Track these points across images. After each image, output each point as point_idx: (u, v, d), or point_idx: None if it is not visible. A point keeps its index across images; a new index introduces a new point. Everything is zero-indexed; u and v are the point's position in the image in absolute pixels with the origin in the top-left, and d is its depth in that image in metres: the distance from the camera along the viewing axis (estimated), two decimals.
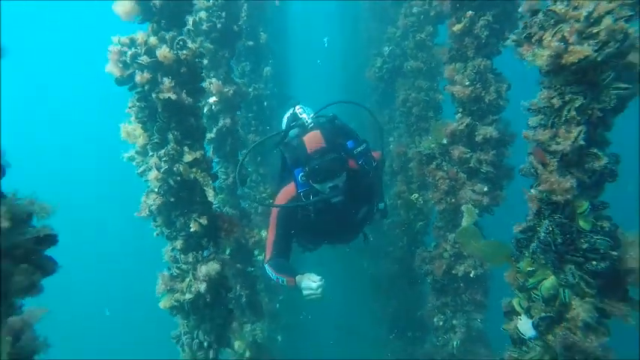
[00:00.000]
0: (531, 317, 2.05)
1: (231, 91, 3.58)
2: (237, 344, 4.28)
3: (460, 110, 2.98)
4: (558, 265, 1.92)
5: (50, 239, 1.02)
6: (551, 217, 1.88)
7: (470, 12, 2.84)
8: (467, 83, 2.88)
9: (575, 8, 1.61)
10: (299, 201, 3.10)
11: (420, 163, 3.30)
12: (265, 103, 5.27)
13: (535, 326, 2.01)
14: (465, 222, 2.76)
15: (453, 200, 2.97)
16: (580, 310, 1.82)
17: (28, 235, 0.97)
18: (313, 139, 2.90)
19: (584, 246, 1.81)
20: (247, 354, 4.27)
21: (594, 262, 1.80)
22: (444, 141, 3.14)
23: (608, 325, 1.91)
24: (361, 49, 7.27)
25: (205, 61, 3.55)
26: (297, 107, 3.44)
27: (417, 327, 4.60)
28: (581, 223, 1.84)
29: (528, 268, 2.06)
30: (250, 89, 4.82)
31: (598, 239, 1.79)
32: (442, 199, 3.05)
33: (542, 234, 1.92)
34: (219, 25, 3.44)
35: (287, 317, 5.79)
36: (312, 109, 3.51)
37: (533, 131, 1.90)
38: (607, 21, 1.54)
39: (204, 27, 3.40)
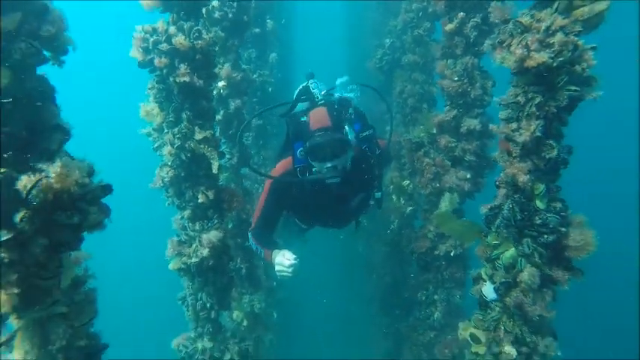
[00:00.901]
0: (494, 283, 2.41)
1: (239, 77, 3.90)
2: (235, 314, 4.64)
3: (448, 103, 3.31)
4: (518, 239, 2.28)
5: (108, 188, 1.37)
6: (513, 197, 2.23)
7: (461, 13, 3.15)
8: (455, 79, 3.20)
9: (538, 21, 1.93)
10: (294, 176, 3.09)
11: (410, 150, 3.63)
12: (270, 89, 5.58)
13: (496, 290, 2.38)
14: (443, 207, 3.11)
15: (438, 185, 3.31)
16: (529, 275, 2.18)
17: (95, 184, 1.32)
18: (319, 116, 2.89)
19: (538, 222, 2.16)
20: (245, 323, 4.63)
21: (545, 236, 2.15)
22: (434, 130, 3.48)
23: (555, 289, 2.27)
24: (365, 39, 7.54)
25: (216, 48, 3.86)
26: (311, 81, 3.40)
27: (404, 305, 4.98)
28: (538, 202, 2.19)
29: (494, 242, 2.41)
30: (255, 75, 5.12)
31: (549, 217, 2.14)
32: (428, 183, 3.39)
33: (505, 211, 2.27)
34: (230, 15, 3.74)
35: (283, 292, 6.14)
36: (326, 86, 3.47)
37: (501, 124, 2.24)
38: (561, 34, 1.86)
39: (216, 15, 3.70)
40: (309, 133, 2.85)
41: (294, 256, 2.71)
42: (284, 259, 2.70)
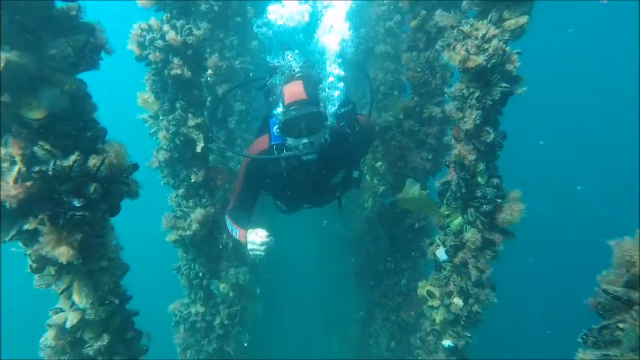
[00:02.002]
0: (445, 247, 2.94)
1: (224, 66, 4.28)
2: (222, 286, 5.10)
3: (412, 91, 3.79)
4: (464, 209, 2.80)
5: (137, 166, 1.81)
6: (459, 174, 2.74)
7: (423, 11, 3.60)
8: (418, 70, 3.67)
9: (476, 30, 2.40)
10: (271, 154, 2.98)
11: (380, 133, 4.10)
12: (251, 74, 5.94)
13: (447, 252, 2.91)
14: (405, 190, 3.60)
15: (404, 164, 3.81)
16: (473, 238, 2.71)
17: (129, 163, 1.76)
18: (294, 90, 2.76)
19: (479, 194, 2.68)
20: (231, 294, 5.10)
21: (484, 206, 2.67)
22: (400, 116, 3.96)
23: (496, 250, 2.81)
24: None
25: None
26: (287, 53, 3.25)
27: (377, 275, 5.54)
28: (479, 179, 2.70)
29: (445, 212, 2.93)
30: (237, 62, 5.48)
31: (488, 190, 2.66)
32: (394, 163, 3.88)
33: (453, 186, 2.78)
34: (216, 8, 4.09)
35: (265, 273, 6.62)
36: (303, 57, 3.32)
37: (451, 113, 2.73)
38: (494, 41, 2.34)
39: (202, 8, 4.05)
40: (285, 107, 2.74)
41: (267, 234, 2.57)
42: (256, 237, 2.57)
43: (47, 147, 1.60)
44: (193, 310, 3.75)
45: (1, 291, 11.62)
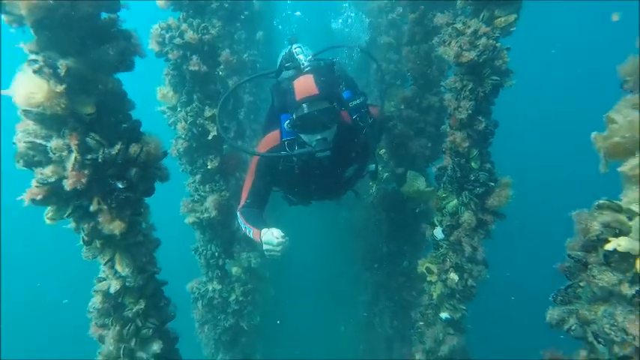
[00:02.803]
0: (442, 227, 3.24)
1: (235, 60, 4.56)
2: (234, 269, 5.45)
3: (412, 82, 4.06)
4: (459, 191, 3.09)
5: (165, 153, 2.13)
6: (454, 160, 3.03)
7: (422, 7, 3.85)
8: (417, 62, 3.94)
9: (468, 27, 2.67)
10: (282, 150, 2.96)
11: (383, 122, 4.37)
12: (258, 65, 6.22)
13: (443, 232, 3.21)
14: (409, 183, 3.89)
15: (404, 152, 4.09)
16: (467, 218, 3.00)
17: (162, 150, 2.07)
18: (305, 85, 2.73)
19: (473, 178, 2.97)
20: (243, 277, 5.45)
21: (477, 189, 2.96)
22: (402, 106, 4.23)
23: (489, 229, 3.10)
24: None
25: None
26: (295, 46, 3.26)
27: (381, 259, 5.85)
28: (472, 164, 2.98)
29: (442, 195, 3.22)
30: (245, 55, 5.75)
31: (480, 174, 2.95)
32: (395, 150, 4.16)
33: (449, 171, 3.07)
34: (226, 5, 4.36)
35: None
36: (312, 50, 3.38)
37: (447, 103, 3.00)
38: (484, 38, 2.61)
39: (213, 6, 4.32)
40: (295, 104, 2.71)
41: (283, 234, 2.54)
42: (272, 238, 2.53)
43: (97, 138, 1.91)
44: (210, 288, 4.09)
45: (1, 291, 11.75)
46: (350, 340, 7.48)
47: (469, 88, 2.78)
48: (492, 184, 2.97)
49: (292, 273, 8.33)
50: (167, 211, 4.14)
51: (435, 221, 3.33)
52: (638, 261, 1.44)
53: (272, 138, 3.10)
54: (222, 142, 3.83)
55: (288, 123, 2.87)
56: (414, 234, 4.60)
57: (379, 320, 5.36)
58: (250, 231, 2.84)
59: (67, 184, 1.82)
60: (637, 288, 1.45)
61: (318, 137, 2.78)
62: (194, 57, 3.28)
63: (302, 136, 2.86)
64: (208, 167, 3.64)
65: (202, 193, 3.70)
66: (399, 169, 4.55)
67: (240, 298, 4.19)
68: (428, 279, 3.46)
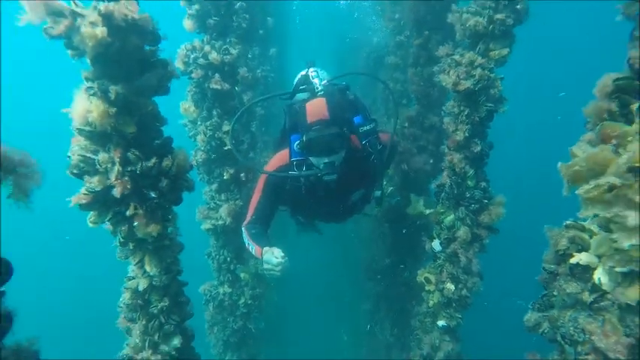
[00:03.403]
0: (440, 239, 3.52)
1: (250, 77, 4.89)
2: (242, 275, 5.74)
3: (416, 102, 4.37)
4: (455, 207, 3.37)
5: (192, 166, 2.44)
6: (452, 178, 3.32)
7: (426, 32, 4.17)
8: (421, 84, 4.25)
9: (465, 58, 2.98)
10: (291, 170, 3.03)
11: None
12: (269, 80, 6.57)
13: (441, 244, 3.49)
14: (413, 205, 4.19)
15: (407, 167, 4.38)
16: (463, 232, 3.29)
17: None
18: (316, 108, 2.80)
19: (468, 195, 3.26)
20: (251, 282, 5.74)
21: (473, 205, 3.25)
22: (406, 124, 4.54)
23: (483, 242, 3.36)
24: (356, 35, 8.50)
25: None
26: (311, 70, 3.35)
27: (384, 270, 6.10)
28: (469, 182, 3.27)
29: (440, 210, 3.51)
30: (259, 71, 6.10)
31: (476, 192, 3.23)
32: (399, 165, 4.46)
33: (447, 188, 3.36)
34: (244, 25, 4.70)
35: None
36: (328, 74, 3.49)
37: (446, 125, 3.30)
38: (480, 69, 2.91)
39: (233, 24, 4.66)
40: (306, 126, 2.79)
41: (283, 254, 2.59)
42: (272, 258, 2.59)
43: (137, 153, 2.23)
44: (221, 291, 4.38)
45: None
46: (352, 346, 7.71)
47: (466, 113, 3.09)
48: (486, 201, 3.25)
49: (297, 281, 8.57)
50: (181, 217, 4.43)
51: (434, 234, 3.61)
52: (595, 273, 1.71)
53: (281, 157, 3.16)
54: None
55: (298, 144, 2.93)
56: (415, 246, 4.86)
57: (380, 328, 5.61)
58: (253, 248, 2.91)
59: (116, 192, 2.13)
60: (595, 296, 1.73)
61: (326, 160, 2.83)
62: (216, 75, 3.61)
63: (310, 158, 2.91)
64: (224, 177, 3.95)
65: (218, 202, 4.01)
66: (403, 191, 4.85)
67: (249, 302, 4.47)
68: (426, 288, 3.73)
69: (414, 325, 4.16)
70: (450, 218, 3.43)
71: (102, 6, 1.87)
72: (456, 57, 3.02)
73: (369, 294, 6.47)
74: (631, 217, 1.49)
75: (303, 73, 3.40)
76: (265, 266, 2.65)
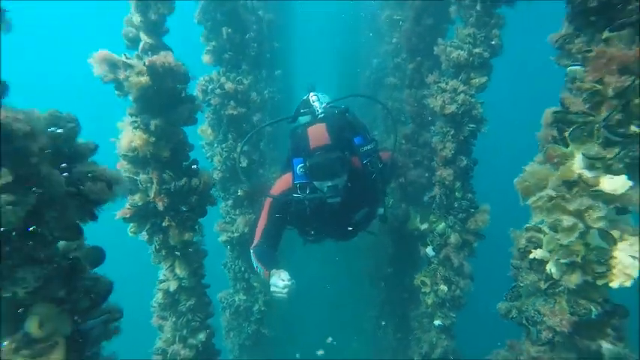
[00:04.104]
0: (433, 246, 3.94)
1: (259, 100, 5.38)
2: (256, 284, 6.16)
3: (410, 120, 4.83)
4: (446, 216, 3.80)
5: (214, 184, 2.91)
6: (442, 190, 3.75)
7: (419, 58, 4.65)
8: (415, 104, 4.71)
9: (448, 85, 3.43)
10: (294, 192, 3.12)
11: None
12: (276, 100, 7.06)
13: (433, 249, 3.91)
14: (411, 221, 4.62)
15: (404, 180, 4.82)
16: (453, 238, 3.71)
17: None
18: (318, 134, 2.92)
19: (457, 206, 3.69)
20: (264, 290, 6.15)
21: (460, 214, 3.67)
22: (402, 141, 4.99)
23: (473, 247, 3.78)
24: (357, 56, 9.02)
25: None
26: (312, 94, 3.48)
27: (387, 277, 6.49)
28: (457, 193, 3.71)
29: (433, 219, 3.94)
30: (266, 92, 6.59)
31: (463, 202, 3.66)
32: (397, 179, 4.89)
33: (437, 199, 3.80)
34: (253, 53, 5.21)
35: None
36: (329, 96, 3.63)
37: (435, 143, 3.75)
38: (462, 95, 3.37)
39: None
40: (309, 152, 2.92)
41: (289, 277, 2.68)
42: (279, 280, 2.67)
43: (170, 173, 2.70)
44: (237, 298, 4.80)
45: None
46: (362, 356, 8.03)
47: (452, 133, 3.54)
48: (473, 210, 3.68)
49: (307, 290, 8.93)
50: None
51: (428, 241, 4.03)
52: (547, 265, 2.14)
53: (285, 181, 3.28)
54: (250, 173, 4.60)
55: (301, 168, 3.03)
56: (415, 255, 5.26)
57: (383, 332, 5.98)
58: (261, 271, 3.01)
59: (159, 206, 2.60)
60: (548, 284, 2.15)
61: (330, 184, 2.96)
62: (231, 102, 4.09)
63: (314, 182, 3.03)
64: (239, 194, 4.41)
65: (233, 216, 4.47)
66: (402, 203, 5.27)
67: (263, 308, 4.88)
68: (422, 290, 4.13)
69: (413, 326, 4.55)
70: (441, 226, 3.85)
71: (147, 60, 2.36)
72: (442, 84, 3.48)
73: (375, 301, 6.84)
74: (566, 221, 1.92)
75: (305, 97, 3.58)
76: (272, 289, 2.73)
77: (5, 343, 1.20)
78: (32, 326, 1.22)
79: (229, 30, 4.01)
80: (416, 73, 4.73)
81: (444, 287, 3.92)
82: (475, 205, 3.70)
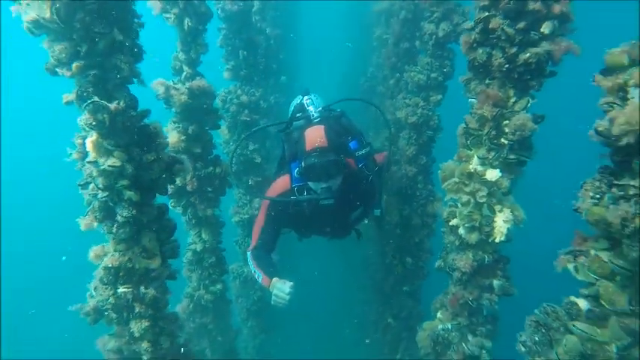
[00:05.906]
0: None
1: (266, 106, 6.42)
2: None
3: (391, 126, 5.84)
4: (409, 203, 4.82)
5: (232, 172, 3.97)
6: (407, 183, 4.76)
7: (397, 74, 5.65)
8: (395, 113, 5.72)
9: (412, 100, 4.45)
10: (292, 195, 3.22)
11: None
12: (280, 103, 8.06)
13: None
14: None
15: (390, 182, 5.82)
16: (414, 220, 4.72)
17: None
18: (315, 136, 2.99)
19: (418, 194, 4.70)
20: None
21: (421, 201, 4.69)
22: (386, 143, 6.00)
23: (432, 228, 4.79)
24: (357, 63, 9.96)
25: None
26: (306, 98, 3.62)
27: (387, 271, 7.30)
28: (418, 185, 4.71)
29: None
30: (271, 98, 7.58)
31: (423, 192, 4.67)
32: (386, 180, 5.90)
33: (403, 189, 4.82)
34: (261, 67, 6.24)
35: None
36: (323, 100, 3.80)
37: (402, 145, 4.75)
38: (421, 109, 4.38)
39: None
40: (305, 154, 2.97)
41: (291, 284, 2.85)
42: (283, 287, 2.85)
43: (201, 163, 3.76)
44: (245, 270, 5.85)
45: (1, 291, 12.37)
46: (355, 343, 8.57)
47: (414, 138, 4.56)
48: (432, 198, 4.70)
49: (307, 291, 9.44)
50: None
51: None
52: (460, 230, 3.14)
53: (282, 183, 3.40)
54: (258, 168, 5.61)
55: (298, 170, 3.11)
56: (412, 258, 6.16)
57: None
58: (260, 276, 3.15)
59: (189, 187, 3.66)
60: (459, 242, 3.16)
61: (324, 185, 3.03)
62: (245, 111, 5.15)
63: (310, 183, 3.12)
64: (250, 184, 5.45)
65: (245, 201, 5.51)
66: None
67: None
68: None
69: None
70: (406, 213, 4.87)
71: (188, 84, 3.42)
72: (407, 100, 4.51)
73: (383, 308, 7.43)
74: (464, 197, 2.94)
75: (299, 101, 3.76)
76: (274, 298, 2.92)
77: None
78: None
79: (245, 52, 5.05)
80: (395, 87, 5.73)
81: (409, 259, 4.94)
82: (432, 195, 4.71)
